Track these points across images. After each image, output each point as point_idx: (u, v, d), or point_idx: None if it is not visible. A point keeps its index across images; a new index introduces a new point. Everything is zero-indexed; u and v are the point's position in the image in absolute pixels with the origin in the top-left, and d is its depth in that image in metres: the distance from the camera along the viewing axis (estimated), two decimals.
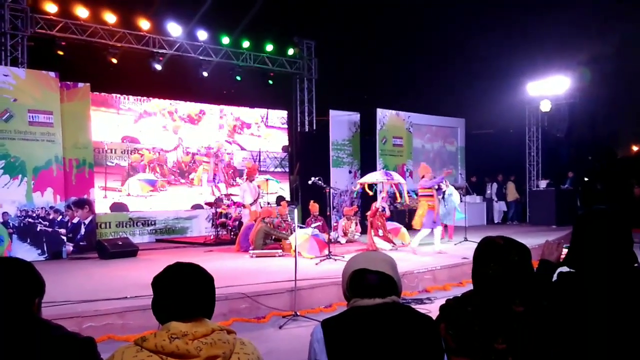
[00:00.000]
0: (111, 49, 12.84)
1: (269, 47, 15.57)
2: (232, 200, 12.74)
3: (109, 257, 9.72)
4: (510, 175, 17.26)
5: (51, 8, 11.93)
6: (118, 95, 13.62)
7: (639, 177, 16.44)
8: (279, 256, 9.66)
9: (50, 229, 10.05)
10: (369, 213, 10.64)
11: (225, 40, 14.67)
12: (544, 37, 15.38)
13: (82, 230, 10.86)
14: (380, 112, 15.14)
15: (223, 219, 12.39)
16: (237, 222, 12.08)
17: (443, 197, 11.15)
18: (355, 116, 15.37)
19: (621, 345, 2.00)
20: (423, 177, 10.31)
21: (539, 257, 2.46)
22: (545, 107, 16.19)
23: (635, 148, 24.40)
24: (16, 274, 1.92)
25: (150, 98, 14.19)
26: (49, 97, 10.18)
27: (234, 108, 15.81)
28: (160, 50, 13.61)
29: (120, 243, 10.37)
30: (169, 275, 1.91)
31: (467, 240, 10.96)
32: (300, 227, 10.30)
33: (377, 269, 2.07)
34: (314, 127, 16.71)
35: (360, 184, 11.46)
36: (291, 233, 10.22)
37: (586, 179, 19.32)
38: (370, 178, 11.16)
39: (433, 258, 9.28)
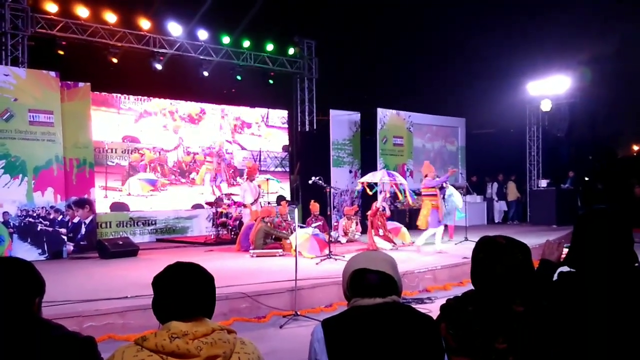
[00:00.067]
0: (111, 49, 12.84)
1: (270, 47, 15.57)
2: (232, 200, 12.74)
3: (109, 257, 9.72)
4: (510, 175, 17.25)
5: (52, 8, 11.93)
6: (118, 95, 13.62)
7: (639, 177, 16.44)
8: (280, 256, 9.66)
9: (50, 229, 10.06)
10: (369, 213, 10.64)
11: (226, 39, 14.67)
12: (544, 37, 15.38)
13: (83, 230, 10.87)
14: (381, 112, 15.14)
15: (223, 219, 12.40)
16: (237, 222, 12.09)
17: (443, 198, 11.13)
18: (356, 116, 15.38)
19: (621, 344, 2.00)
20: (426, 176, 10.30)
21: (540, 256, 2.46)
22: (546, 106, 16.18)
23: (635, 148, 24.41)
24: (16, 274, 1.92)
25: (151, 98, 14.19)
26: (49, 96, 10.18)
27: (235, 108, 15.81)
28: (161, 50, 13.61)
29: (120, 243, 10.38)
30: (169, 274, 1.91)
31: (467, 240, 10.95)
32: (301, 227, 10.30)
33: (377, 268, 2.07)
34: (315, 127, 16.71)
35: (362, 183, 11.46)
36: (291, 233, 10.23)
37: (587, 179, 19.33)
38: (372, 178, 11.14)
39: (434, 258, 9.28)
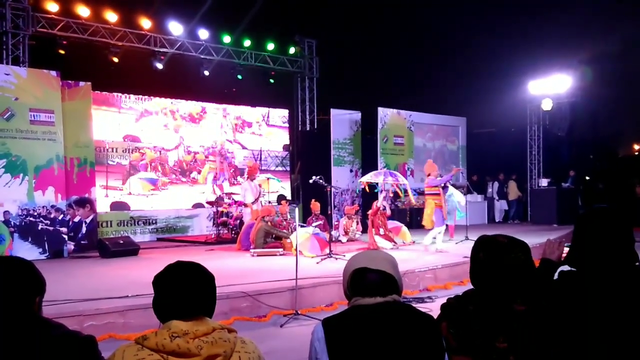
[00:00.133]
0: (112, 48, 12.84)
1: (270, 46, 15.56)
2: (233, 199, 12.74)
3: (110, 256, 9.72)
4: (511, 174, 17.24)
5: (52, 7, 11.93)
6: (119, 94, 13.62)
7: None
8: (280, 255, 9.67)
9: (51, 228, 10.06)
10: (370, 212, 10.64)
11: (227, 39, 14.66)
12: (545, 36, 15.37)
13: (84, 229, 10.88)
14: (382, 111, 15.13)
15: (224, 218, 12.40)
16: (238, 221, 12.09)
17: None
18: (357, 115, 15.38)
19: (622, 344, 2.00)
20: (429, 175, 10.27)
21: (541, 256, 2.46)
22: (547, 105, 16.16)
23: (636, 147, 24.39)
24: (17, 273, 1.92)
25: (152, 97, 14.19)
26: (50, 96, 10.19)
27: (235, 107, 15.80)
28: (162, 49, 13.61)
29: (121, 242, 10.37)
30: (170, 274, 1.91)
31: (468, 239, 10.94)
32: (302, 226, 10.30)
33: (378, 267, 2.07)
34: (315, 126, 16.71)
35: (363, 182, 11.44)
36: (291, 232, 10.23)
37: (587, 178, 19.32)
38: (374, 179, 11.13)
39: (434, 257, 9.28)
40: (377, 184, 11.44)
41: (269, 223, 10.35)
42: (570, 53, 15.36)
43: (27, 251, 9.47)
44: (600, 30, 14.49)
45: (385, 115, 15.26)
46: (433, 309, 2.62)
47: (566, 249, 2.35)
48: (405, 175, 14.30)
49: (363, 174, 13.47)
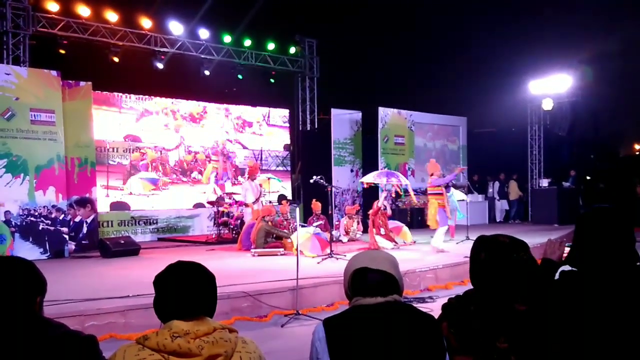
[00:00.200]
0: (113, 48, 12.84)
1: (271, 46, 15.56)
2: (234, 199, 12.74)
3: (111, 256, 9.73)
4: (512, 174, 17.24)
5: (53, 7, 11.94)
6: (120, 94, 13.62)
7: None
8: (281, 255, 9.66)
9: (52, 228, 10.07)
10: (370, 212, 10.63)
11: (227, 38, 14.66)
12: (545, 36, 15.36)
13: (84, 229, 10.88)
14: (382, 111, 15.12)
15: (225, 218, 12.40)
16: (239, 221, 12.09)
17: None
18: (357, 115, 15.37)
19: (622, 344, 1.99)
20: (432, 175, 10.25)
21: (542, 255, 2.45)
22: (548, 105, 16.15)
23: (637, 147, 24.37)
24: (18, 273, 1.92)
25: (152, 97, 14.19)
26: (50, 95, 10.19)
27: (236, 107, 15.80)
28: (162, 49, 13.61)
29: (122, 242, 10.37)
30: (170, 274, 1.91)
31: (469, 239, 10.94)
32: (302, 226, 10.30)
33: (378, 267, 2.06)
34: (316, 126, 16.71)
35: (363, 182, 11.43)
36: (292, 232, 10.23)
37: (588, 178, 19.32)
38: (376, 180, 11.11)
39: (435, 257, 9.27)
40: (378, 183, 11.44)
41: (270, 223, 10.35)
42: (570, 52, 15.36)
43: (28, 251, 9.47)
44: (601, 30, 14.49)
45: (386, 115, 15.25)
46: (434, 309, 2.62)
47: (567, 249, 2.35)
48: (406, 175, 14.30)
49: (364, 173, 13.47)
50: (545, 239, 2.79)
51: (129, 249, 10.10)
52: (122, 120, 13.64)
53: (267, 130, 16.44)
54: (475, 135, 17.83)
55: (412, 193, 11.03)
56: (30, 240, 9.83)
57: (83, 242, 10.83)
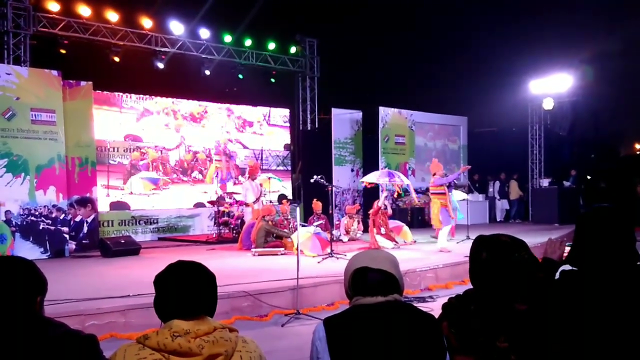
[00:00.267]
0: (113, 48, 12.85)
1: (271, 46, 15.55)
2: (234, 198, 12.74)
3: (111, 256, 9.73)
4: (512, 174, 17.23)
5: (54, 7, 11.94)
6: (120, 94, 13.62)
7: None
8: (281, 254, 9.67)
9: (52, 228, 10.07)
10: (371, 211, 10.63)
11: (228, 38, 14.66)
12: (545, 35, 15.36)
13: (85, 229, 10.88)
14: (383, 110, 15.12)
15: (225, 218, 12.41)
16: (239, 221, 12.10)
17: None
18: (358, 114, 15.37)
19: (622, 343, 1.99)
20: (434, 174, 10.25)
21: (542, 255, 2.45)
22: (548, 105, 16.15)
23: (638, 146, 24.36)
24: (18, 273, 1.92)
25: (153, 96, 14.19)
26: (51, 95, 10.19)
27: (236, 106, 15.80)
28: (163, 49, 13.61)
29: (122, 241, 10.38)
30: (171, 273, 1.91)
31: (469, 238, 10.93)
32: (303, 226, 10.30)
33: (379, 267, 2.07)
34: (316, 126, 16.71)
35: (368, 183, 11.42)
36: (292, 231, 10.23)
37: (589, 177, 19.30)
38: (377, 180, 11.10)
39: (435, 256, 9.28)
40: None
41: (270, 222, 10.35)
42: (571, 52, 15.35)
43: (28, 251, 9.47)
44: (601, 30, 14.48)
45: (387, 114, 15.25)
46: (434, 308, 2.62)
47: (567, 249, 2.35)
48: (407, 175, 14.29)
49: (364, 173, 13.46)
50: (545, 238, 2.79)
51: (130, 249, 10.11)
52: (123, 120, 13.64)
53: (268, 129, 16.44)
54: (476, 135, 17.82)
55: (413, 193, 11.03)
56: (31, 239, 9.83)
57: (83, 241, 10.83)
